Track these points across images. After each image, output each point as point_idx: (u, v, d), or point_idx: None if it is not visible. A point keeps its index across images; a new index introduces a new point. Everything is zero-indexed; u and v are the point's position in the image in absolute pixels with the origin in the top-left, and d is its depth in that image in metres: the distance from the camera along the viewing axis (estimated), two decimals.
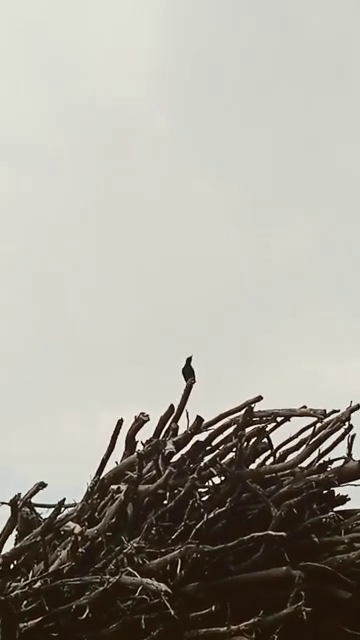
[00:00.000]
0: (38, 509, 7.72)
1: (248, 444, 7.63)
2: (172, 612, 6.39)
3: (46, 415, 14.92)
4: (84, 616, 6.53)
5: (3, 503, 7.17)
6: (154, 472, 7.68)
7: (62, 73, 17.25)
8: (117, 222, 16.99)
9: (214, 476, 7.68)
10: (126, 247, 16.86)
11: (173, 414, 8.06)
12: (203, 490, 7.62)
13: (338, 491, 7.79)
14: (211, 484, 7.69)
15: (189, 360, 8.13)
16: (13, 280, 16.33)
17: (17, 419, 13.98)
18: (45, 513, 7.56)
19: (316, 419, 7.67)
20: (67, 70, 17.26)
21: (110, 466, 7.90)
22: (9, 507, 7.20)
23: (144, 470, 7.52)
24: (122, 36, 17.48)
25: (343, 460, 7.68)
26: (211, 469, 7.63)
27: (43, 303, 16.27)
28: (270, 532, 6.98)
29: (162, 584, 6.35)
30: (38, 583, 6.72)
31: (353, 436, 7.65)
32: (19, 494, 7.34)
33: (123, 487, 7.44)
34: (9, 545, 7.39)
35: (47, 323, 16.02)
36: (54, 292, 16.43)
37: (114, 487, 7.56)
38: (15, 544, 7.40)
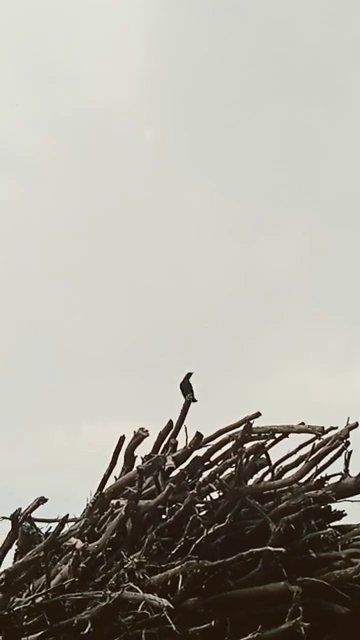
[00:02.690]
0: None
1: (247, 460, 7.71)
2: (173, 627, 6.44)
3: (29, 428, 14.91)
4: (86, 631, 6.58)
5: (4, 518, 7.21)
6: (154, 487, 7.76)
7: (51, 83, 17.38)
8: (107, 231, 17.09)
9: (213, 491, 7.77)
10: (117, 257, 16.94)
11: (172, 429, 8.15)
12: (202, 505, 7.71)
13: (335, 507, 7.90)
14: (210, 499, 7.77)
15: (188, 376, 8.23)
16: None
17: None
18: (44, 528, 7.64)
19: (314, 436, 7.76)
20: (56, 80, 17.39)
21: (110, 481, 8.00)
22: (9, 521, 7.26)
23: (144, 485, 7.60)
24: (112, 46, 17.64)
25: (340, 476, 7.77)
26: (210, 484, 7.72)
27: (32, 314, 16.28)
28: (269, 547, 7.06)
29: (164, 600, 6.42)
30: (40, 598, 6.76)
31: (350, 453, 7.75)
32: (19, 509, 7.37)
33: (123, 502, 7.52)
34: (7, 559, 7.45)
35: (35, 335, 16.04)
36: (43, 303, 16.44)
37: (114, 502, 7.63)
38: (15, 558, 7.45)
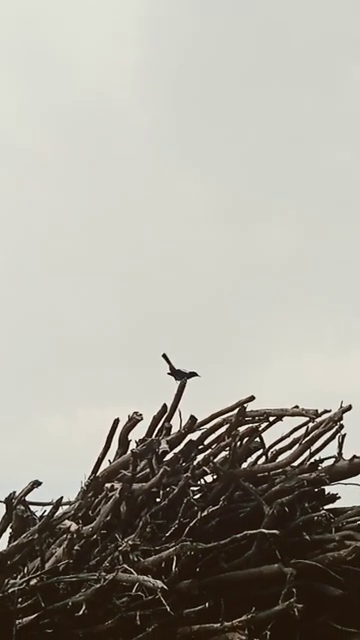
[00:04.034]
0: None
1: (241, 443, 7.74)
2: (167, 608, 6.47)
3: (24, 415, 14.90)
4: (80, 612, 6.61)
5: None
6: (148, 471, 7.77)
7: (44, 70, 17.24)
8: (102, 221, 17.04)
9: (207, 475, 7.80)
10: (112, 245, 16.92)
11: (166, 413, 8.17)
12: (196, 488, 7.73)
13: (329, 490, 7.93)
14: (204, 482, 7.80)
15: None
16: None
17: None
18: (39, 511, 7.66)
19: (308, 419, 7.79)
20: (49, 67, 17.26)
21: (104, 465, 8.02)
22: (4, 505, 7.30)
23: (138, 469, 7.62)
24: (105, 32, 17.50)
25: (334, 459, 7.81)
26: (204, 468, 7.74)
27: (28, 303, 16.25)
28: (263, 530, 7.09)
29: (158, 581, 6.44)
30: (34, 580, 6.79)
31: (344, 436, 7.78)
32: (14, 492, 7.40)
33: (117, 485, 7.54)
34: (1, 542, 7.49)
35: (31, 323, 16.02)
36: (39, 292, 16.42)
37: (108, 485, 7.65)
38: (9, 542, 7.48)
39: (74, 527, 6.98)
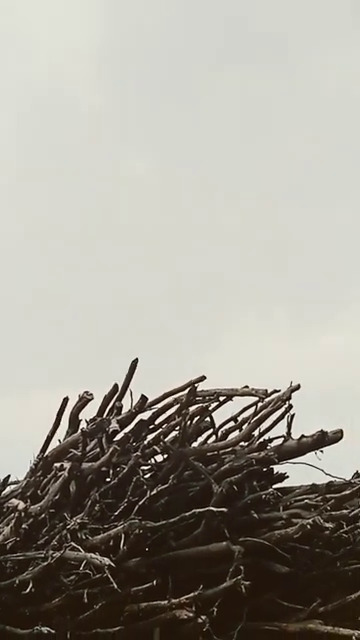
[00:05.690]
0: None
1: (191, 423, 7.75)
2: (115, 586, 6.48)
3: None
4: (27, 591, 6.60)
5: None
6: (98, 450, 7.76)
7: None
8: (54, 203, 16.87)
9: (157, 454, 7.81)
10: (66, 227, 16.78)
11: (117, 393, 8.15)
12: (146, 468, 7.75)
13: (277, 469, 8.00)
14: (154, 462, 7.81)
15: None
16: None
17: None
18: None
19: (257, 399, 7.83)
20: (2, 46, 17.00)
21: (54, 444, 7.98)
22: None
23: (88, 448, 7.61)
24: (64, 12, 17.28)
25: (282, 439, 7.86)
26: (154, 447, 7.75)
27: None
28: (211, 508, 7.12)
29: (105, 558, 6.45)
30: None
31: (293, 415, 7.82)
32: None
33: (67, 465, 7.51)
34: None
35: None
36: None
37: (57, 465, 7.63)
38: None
39: (22, 505, 6.95)
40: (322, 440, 7.63)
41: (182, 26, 16.88)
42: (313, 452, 7.70)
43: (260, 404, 7.82)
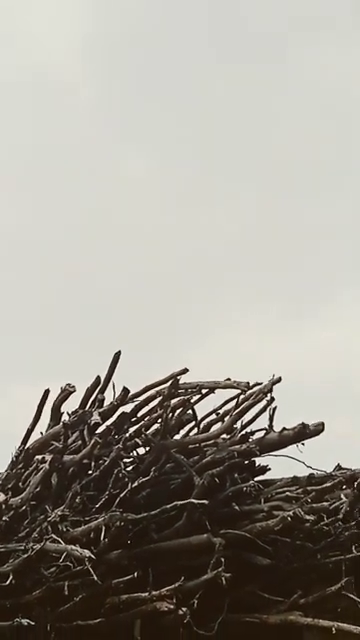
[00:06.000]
0: None
1: (173, 415, 7.75)
2: (95, 578, 6.48)
3: None
4: (7, 583, 6.58)
5: None
6: (80, 442, 7.75)
7: None
8: (43, 195, 16.81)
9: (139, 446, 7.80)
10: (52, 220, 16.72)
11: (99, 385, 8.13)
12: (128, 460, 7.74)
13: (259, 461, 8.01)
14: (136, 454, 7.80)
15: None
16: None
17: None
18: None
19: (239, 391, 7.84)
20: None
21: (35, 436, 7.96)
22: None
23: (70, 440, 7.60)
24: (52, 5, 17.19)
25: (264, 431, 7.87)
26: (136, 439, 7.74)
27: None
28: (192, 500, 7.13)
29: (86, 551, 6.44)
30: None
31: (274, 408, 7.84)
32: None
33: (48, 457, 7.49)
34: None
35: None
36: None
37: (39, 457, 7.60)
38: None
39: (2, 497, 6.93)
40: (303, 433, 7.65)
41: (182, 26, 16.85)
42: (294, 445, 7.72)
43: (242, 397, 7.83)
